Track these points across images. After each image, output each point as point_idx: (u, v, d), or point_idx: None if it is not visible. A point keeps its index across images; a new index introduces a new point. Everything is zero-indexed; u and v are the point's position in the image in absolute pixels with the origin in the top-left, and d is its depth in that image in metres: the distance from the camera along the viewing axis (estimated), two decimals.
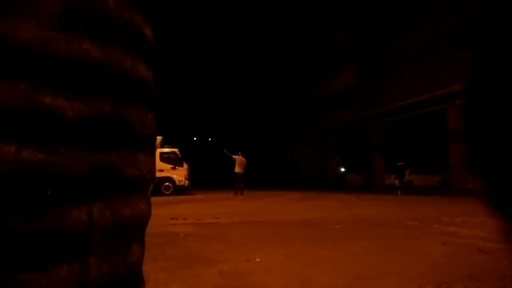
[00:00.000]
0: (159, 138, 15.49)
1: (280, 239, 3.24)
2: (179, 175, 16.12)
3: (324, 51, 27.22)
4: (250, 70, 37.57)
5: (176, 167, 16.16)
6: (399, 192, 14.15)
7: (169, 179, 15.93)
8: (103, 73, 0.53)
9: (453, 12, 14.95)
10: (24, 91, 0.46)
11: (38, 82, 0.47)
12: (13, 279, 0.45)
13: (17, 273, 0.45)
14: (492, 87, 0.57)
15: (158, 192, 14.99)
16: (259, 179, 28.55)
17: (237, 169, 14.62)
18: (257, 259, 2.39)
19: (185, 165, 16.51)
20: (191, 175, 17.36)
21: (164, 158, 16.01)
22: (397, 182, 17.14)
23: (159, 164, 15.04)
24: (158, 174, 14.82)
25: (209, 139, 45.92)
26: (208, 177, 35.39)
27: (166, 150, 16.37)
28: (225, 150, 14.86)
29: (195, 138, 45.19)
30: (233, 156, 14.75)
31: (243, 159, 14.79)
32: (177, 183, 16.03)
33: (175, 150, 16.62)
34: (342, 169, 25.95)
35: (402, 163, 15.68)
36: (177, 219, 5.10)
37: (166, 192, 15.62)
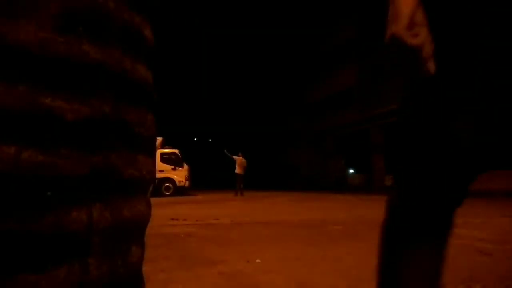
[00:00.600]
0: (159, 139, 15.50)
1: (280, 240, 3.24)
2: (180, 175, 16.13)
3: (324, 51, 27.22)
4: (250, 70, 37.59)
5: (177, 168, 16.17)
6: None
7: (170, 179, 15.94)
8: (103, 74, 0.53)
9: None
10: (23, 92, 0.46)
11: (37, 84, 0.47)
12: (12, 280, 0.45)
13: (16, 274, 0.45)
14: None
15: (158, 192, 14.99)
16: (259, 180, 28.55)
17: (237, 170, 14.63)
18: (257, 260, 2.39)
19: (186, 166, 16.52)
20: (191, 176, 17.36)
21: (165, 158, 16.03)
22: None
23: (159, 165, 15.05)
24: (158, 175, 14.83)
25: (210, 140, 45.95)
26: (209, 177, 35.40)
27: (166, 151, 16.39)
28: (225, 150, 14.87)
29: (195, 139, 45.22)
30: (233, 157, 14.76)
31: (243, 160, 14.80)
32: (178, 183, 16.03)
33: (176, 151, 16.63)
34: (351, 171, 25.46)
35: None
36: (177, 219, 5.10)
37: (167, 193, 15.63)
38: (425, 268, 0.86)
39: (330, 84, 25.77)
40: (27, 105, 0.46)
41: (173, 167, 16.02)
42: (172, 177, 15.92)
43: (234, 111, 41.08)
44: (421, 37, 0.61)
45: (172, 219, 5.13)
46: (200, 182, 27.80)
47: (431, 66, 0.61)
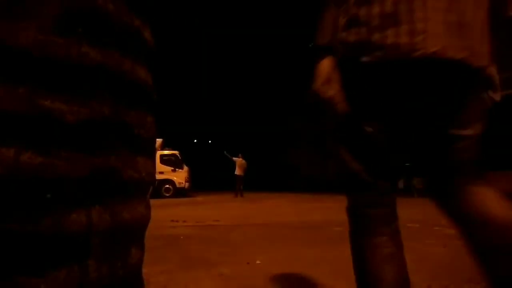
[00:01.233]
0: (159, 140, 15.49)
1: (280, 242, 3.24)
2: (179, 177, 16.11)
3: None
4: (250, 71, 37.62)
5: (176, 169, 16.15)
6: (415, 195, 14.09)
7: (169, 181, 15.92)
8: (102, 76, 0.53)
9: None
10: (23, 94, 0.46)
11: (37, 86, 0.47)
12: (12, 282, 0.45)
13: (16, 276, 0.45)
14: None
15: (158, 194, 14.98)
16: (259, 181, 28.53)
17: (237, 171, 14.62)
18: (257, 262, 2.39)
19: (185, 167, 16.50)
20: (191, 177, 17.35)
21: (164, 160, 16.01)
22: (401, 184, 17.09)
23: (159, 166, 15.03)
24: (158, 176, 14.81)
25: (209, 141, 45.96)
26: (209, 179, 35.38)
27: (166, 152, 16.37)
28: (225, 152, 14.88)
29: (195, 141, 45.24)
30: (233, 158, 14.76)
31: (243, 161, 14.79)
32: (177, 185, 16.01)
33: (176, 152, 16.62)
34: None
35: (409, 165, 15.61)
36: (177, 221, 5.10)
37: (166, 194, 15.61)
38: (386, 256, 0.97)
39: None
40: (27, 107, 0.46)
41: (173, 168, 16.00)
42: (172, 178, 15.90)
43: (234, 112, 41.12)
44: (334, 90, 0.93)
45: (172, 220, 5.12)
46: (200, 184, 27.80)
47: (342, 107, 0.93)
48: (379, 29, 0.84)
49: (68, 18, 0.51)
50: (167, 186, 15.84)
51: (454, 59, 0.81)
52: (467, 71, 0.84)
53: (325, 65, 0.94)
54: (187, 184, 16.29)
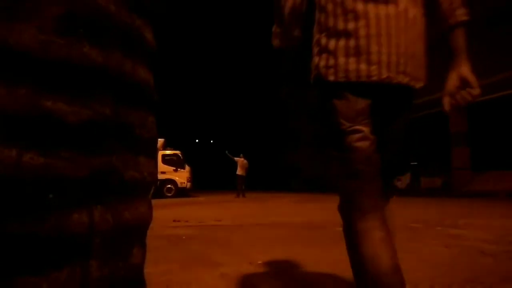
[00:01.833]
0: (161, 140, 15.50)
1: (282, 242, 3.23)
2: (181, 177, 16.13)
3: None
4: (252, 71, 37.61)
5: (178, 169, 16.17)
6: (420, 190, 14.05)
7: (171, 181, 15.94)
8: (104, 77, 0.53)
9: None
10: (25, 95, 0.47)
11: (39, 86, 0.47)
12: (14, 282, 0.45)
13: (17, 276, 0.45)
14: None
15: (160, 194, 15.00)
16: (261, 181, 28.51)
17: (239, 171, 14.63)
18: (259, 262, 2.39)
19: (187, 167, 16.53)
20: (193, 177, 17.36)
21: (166, 160, 16.04)
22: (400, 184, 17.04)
23: (161, 166, 15.05)
24: (160, 176, 14.82)
25: (211, 141, 46.00)
26: (210, 179, 35.40)
27: (168, 152, 16.39)
28: (226, 152, 14.88)
29: (197, 140, 45.28)
30: (235, 159, 14.77)
31: (245, 161, 14.80)
32: (179, 185, 16.03)
33: (177, 152, 16.64)
34: None
35: (415, 164, 15.63)
36: (179, 221, 5.10)
37: (168, 194, 15.63)
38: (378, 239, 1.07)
39: None
40: (28, 107, 0.46)
41: (174, 168, 16.03)
42: (173, 178, 15.93)
43: (236, 112, 41.13)
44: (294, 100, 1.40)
45: (174, 220, 5.13)
46: (202, 184, 27.81)
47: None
48: (344, 58, 1.07)
49: (70, 18, 0.51)
50: (169, 186, 15.86)
51: (401, 83, 1.08)
52: (410, 91, 1.12)
53: (288, 87, 1.25)
54: (189, 184, 16.31)
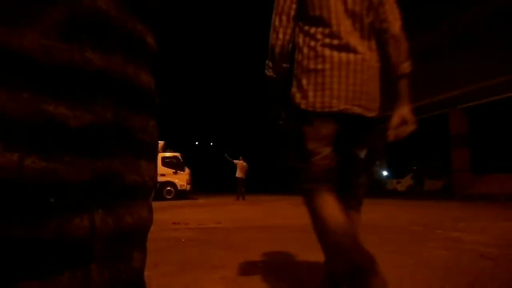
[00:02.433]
0: (161, 142, 15.51)
1: (282, 244, 3.23)
2: (181, 179, 16.12)
3: None
4: (252, 73, 37.64)
5: (178, 171, 16.16)
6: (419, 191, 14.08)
7: (171, 183, 15.93)
8: (105, 81, 0.54)
9: (454, 17, 14.97)
10: (27, 99, 0.47)
11: (41, 91, 0.47)
12: (16, 286, 0.45)
13: (19, 281, 0.45)
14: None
15: (159, 196, 14.98)
16: (261, 184, 28.48)
17: (238, 174, 14.62)
18: (259, 264, 2.39)
19: (187, 170, 16.52)
20: (192, 180, 17.35)
21: (166, 162, 16.03)
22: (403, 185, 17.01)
23: (161, 169, 15.04)
24: (159, 179, 14.81)
25: (211, 144, 46.00)
26: (210, 181, 35.38)
27: (168, 154, 16.39)
28: (225, 155, 14.88)
29: (196, 143, 45.27)
30: (234, 161, 14.77)
31: (244, 163, 14.79)
32: (179, 187, 16.02)
33: (177, 154, 16.63)
34: (385, 173, 23.54)
35: (417, 167, 15.67)
36: (178, 223, 5.10)
37: (168, 197, 15.62)
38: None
39: None
40: (30, 112, 0.46)
41: (174, 170, 16.02)
42: (173, 180, 15.92)
43: (235, 114, 41.15)
44: (280, 122, 1.69)
45: (174, 223, 5.12)
46: (202, 186, 27.79)
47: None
48: (313, 92, 1.40)
49: (72, 23, 0.52)
50: (169, 188, 15.85)
51: (355, 113, 1.39)
52: (363, 119, 1.42)
53: (275, 109, 1.66)
54: (188, 186, 16.30)
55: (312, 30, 1.43)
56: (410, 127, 1.44)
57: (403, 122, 1.43)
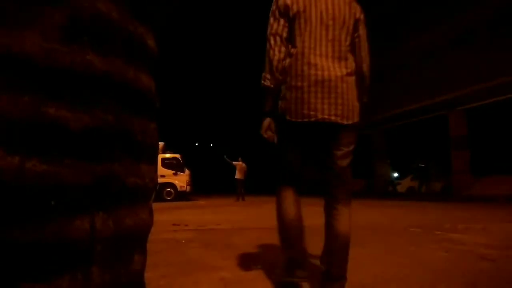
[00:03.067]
0: (161, 144, 15.50)
1: None
2: (181, 180, 16.11)
3: None
4: (251, 73, 37.68)
5: (178, 172, 16.15)
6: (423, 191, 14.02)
7: (171, 184, 15.92)
8: (106, 84, 0.54)
9: (454, 18, 14.98)
10: (28, 102, 0.47)
11: (42, 94, 0.48)
12: None
13: (20, 283, 0.45)
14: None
15: (159, 197, 14.97)
16: (261, 184, 28.47)
17: (238, 175, 14.63)
18: (259, 266, 2.39)
19: (187, 171, 16.51)
20: (192, 181, 17.34)
21: (166, 164, 16.02)
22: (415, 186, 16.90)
23: (160, 170, 15.03)
24: (159, 180, 14.79)
25: (211, 145, 46.00)
26: (210, 182, 35.35)
27: (168, 155, 16.38)
28: (225, 157, 14.89)
29: (196, 144, 45.28)
30: (233, 163, 14.78)
31: (243, 164, 14.80)
32: (179, 188, 16.01)
33: (177, 155, 16.63)
34: (395, 174, 23.19)
35: (423, 165, 15.62)
36: (178, 225, 5.09)
37: (168, 198, 15.60)
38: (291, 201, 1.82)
39: None
40: (32, 115, 0.46)
41: (174, 172, 16.01)
42: (173, 182, 15.91)
43: (235, 115, 41.15)
44: (270, 133, 1.83)
45: (174, 224, 5.12)
46: (202, 187, 27.77)
47: (274, 139, 1.82)
48: (295, 105, 1.68)
49: (73, 26, 0.52)
50: (169, 189, 15.84)
51: (332, 120, 1.66)
52: (339, 125, 1.68)
53: (266, 121, 1.84)
54: (188, 188, 16.29)
55: (296, 51, 1.71)
56: None
57: None
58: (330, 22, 1.71)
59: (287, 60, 1.73)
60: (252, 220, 6.11)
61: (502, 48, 12.56)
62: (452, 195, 15.01)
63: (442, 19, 15.72)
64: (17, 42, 0.48)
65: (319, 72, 1.66)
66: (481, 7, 13.61)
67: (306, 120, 1.66)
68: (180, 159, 16.56)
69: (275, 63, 1.73)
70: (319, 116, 1.64)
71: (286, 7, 1.72)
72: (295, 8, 1.71)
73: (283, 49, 1.74)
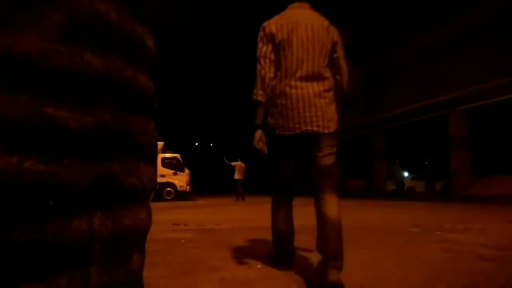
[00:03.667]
0: (160, 143, 15.49)
1: None
2: (181, 180, 16.10)
3: None
4: (250, 74, 37.62)
5: (178, 172, 16.15)
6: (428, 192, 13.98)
7: (171, 184, 15.91)
8: (105, 84, 0.54)
9: (454, 18, 14.97)
10: (27, 102, 0.47)
11: (41, 94, 0.48)
12: None
13: (19, 283, 0.45)
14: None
15: (159, 197, 14.96)
16: (261, 185, 28.46)
17: (237, 176, 14.64)
18: (258, 266, 2.39)
19: (187, 171, 16.50)
20: (192, 181, 17.34)
21: (166, 163, 16.01)
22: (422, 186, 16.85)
23: (160, 170, 15.03)
24: (159, 180, 14.79)
25: (211, 144, 45.99)
26: (210, 182, 35.34)
27: (167, 155, 16.37)
28: (224, 158, 14.91)
29: (196, 144, 45.26)
30: (232, 164, 14.80)
31: (242, 165, 14.80)
32: (179, 188, 16.00)
33: (177, 155, 16.62)
34: (406, 174, 23.00)
35: (429, 164, 15.58)
36: (178, 224, 5.09)
37: (168, 198, 15.60)
38: (284, 216, 2.23)
39: None
40: (30, 115, 0.46)
41: (174, 171, 16.00)
42: (173, 181, 15.89)
43: (235, 115, 41.15)
44: (262, 144, 2.06)
45: (173, 224, 5.11)
46: (201, 187, 27.76)
47: (265, 150, 2.08)
48: (282, 120, 1.99)
49: (72, 27, 0.52)
50: (168, 189, 15.83)
51: (314, 131, 1.94)
52: (320, 134, 1.95)
53: (258, 132, 2.05)
54: (188, 187, 16.28)
55: (280, 73, 2.01)
56: None
57: None
58: (310, 47, 1.98)
59: (274, 81, 2.02)
60: (252, 220, 6.11)
61: (502, 48, 12.55)
62: (452, 195, 15.00)
63: (442, 19, 15.71)
64: (17, 42, 0.48)
65: (299, 91, 1.95)
66: (481, 7, 13.60)
67: (292, 132, 1.96)
68: (180, 158, 16.56)
69: (267, 81, 2.01)
70: (303, 128, 1.94)
71: (272, 35, 2.02)
72: (279, 36, 2.00)
73: (272, 69, 2.02)
